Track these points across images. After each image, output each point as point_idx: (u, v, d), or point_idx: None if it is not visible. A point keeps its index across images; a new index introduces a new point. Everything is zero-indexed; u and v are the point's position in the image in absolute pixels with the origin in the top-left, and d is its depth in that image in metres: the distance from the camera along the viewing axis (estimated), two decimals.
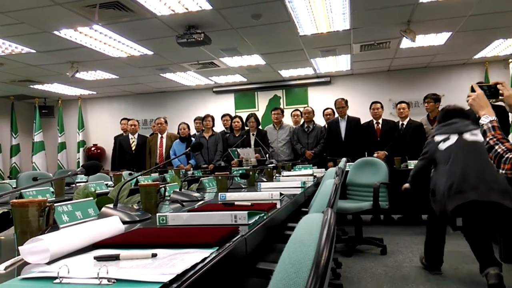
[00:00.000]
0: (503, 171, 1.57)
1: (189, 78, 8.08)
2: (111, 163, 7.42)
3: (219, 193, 2.13)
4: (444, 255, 3.25)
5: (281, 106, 8.42)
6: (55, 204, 1.23)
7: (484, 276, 2.69)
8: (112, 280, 0.73)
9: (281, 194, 2.10)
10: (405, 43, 6.13)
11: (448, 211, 2.75)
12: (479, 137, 2.73)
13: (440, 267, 3.22)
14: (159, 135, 6.52)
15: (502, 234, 3.48)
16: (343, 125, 5.77)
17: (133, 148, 6.62)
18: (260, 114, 8.37)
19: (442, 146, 2.90)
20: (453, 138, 2.87)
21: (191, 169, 5.81)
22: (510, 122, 6.12)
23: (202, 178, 3.10)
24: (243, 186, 3.07)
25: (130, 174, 4.48)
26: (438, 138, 2.97)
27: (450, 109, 3.11)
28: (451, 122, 3.00)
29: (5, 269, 0.89)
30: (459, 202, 2.69)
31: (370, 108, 5.71)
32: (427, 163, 3.07)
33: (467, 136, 2.84)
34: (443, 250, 3.16)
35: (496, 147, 1.61)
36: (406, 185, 3.44)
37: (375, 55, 6.93)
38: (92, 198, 1.63)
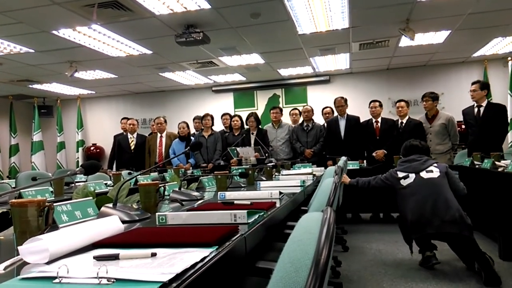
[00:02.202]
0: None
1: (188, 77, 8.07)
2: (109, 162, 7.38)
3: (219, 192, 2.14)
4: (441, 252, 3.26)
5: (280, 105, 8.42)
6: (54, 204, 1.23)
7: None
8: (112, 280, 0.73)
9: (280, 193, 2.11)
10: (404, 41, 6.13)
11: (411, 239, 3.24)
12: (434, 174, 3.18)
13: (433, 252, 3.24)
14: (159, 134, 6.52)
15: (501, 233, 3.49)
16: (342, 124, 5.77)
17: (132, 148, 6.61)
18: (259, 113, 8.33)
19: (404, 182, 3.25)
20: (412, 177, 3.22)
21: (191, 168, 5.81)
22: (509, 119, 6.14)
23: (201, 177, 3.09)
24: (243, 185, 3.07)
25: (129, 173, 4.47)
26: (400, 174, 3.30)
27: (410, 145, 3.45)
28: (411, 159, 3.33)
29: (4, 269, 0.89)
30: (418, 235, 3.12)
31: (368, 107, 5.70)
32: (385, 187, 3.42)
33: (423, 174, 3.20)
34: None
35: None
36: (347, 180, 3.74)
37: (374, 54, 6.93)
38: (91, 197, 1.63)
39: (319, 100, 8.17)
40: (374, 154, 5.44)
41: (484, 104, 5.00)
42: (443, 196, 3.05)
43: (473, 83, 5.07)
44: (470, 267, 3.14)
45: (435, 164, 3.25)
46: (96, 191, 2.06)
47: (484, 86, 5.08)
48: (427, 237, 3.14)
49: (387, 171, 3.47)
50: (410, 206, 3.12)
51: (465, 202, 4.58)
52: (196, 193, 2.34)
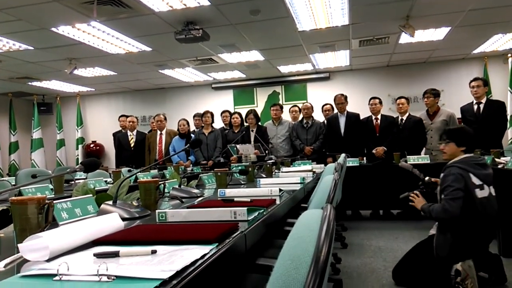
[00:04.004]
0: None
1: (187, 74, 8.06)
2: (116, 160, 7.30)
3: (219, 190, 2.14)
4: None
5: (280, 102, 8.41)
6: (54, 201, 1.23)
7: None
8: (112, 277, 0.74)
9: (280, 190, 2.11)
10: (404, 38, 6.12)
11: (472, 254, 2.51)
12: (493, 192, 2.56)
13: None
14: (158, 132, 6.51)
15: (501, 229, 3.49)
16: (342, 121, 5.76)
17: (132, 145, 6.61)
18: (259, 110, 8.36)
19: (479, 193, 2.46)
20: (486, 190, 2.50)
21: (191, 165, 5.82)
22: (508, 116, 6.14)
23: (201, 175, 3.09)
24: (242, 182, 3.07)
25: (129, 170, 4.47)
26: (475, 180, 2.47)
27: (474, 135, 2.71)
28: (482, 163, 2.58)
29: (4, 267, 0.89)
30: (481, 252, 2.56)
31: (368, 104, 5.70)
32: (461, 200, 2.43)
33: (492, 190, 2.55)
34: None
35: None
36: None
37: (374, 51, 6.92)
38: (91, 195, 1.63)
39: (319, 97, 8.16)
40: (374, 151, 5.44)
41: (483, 101, 5.00)
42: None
43: (475, 79, 5.06)
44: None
45: None
46: (96, 189, 2.06)
47: (485, 82, 5.10)
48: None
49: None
50: (480, 224, 2.47)
51: None
52: (196, 190, 2.34)
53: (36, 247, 0.92)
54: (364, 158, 5.48)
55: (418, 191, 2.81)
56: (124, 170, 4.34)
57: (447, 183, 2.48)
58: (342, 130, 5.73)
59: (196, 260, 0.85)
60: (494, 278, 2.71)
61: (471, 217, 2.43)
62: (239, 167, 3.39)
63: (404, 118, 5.53)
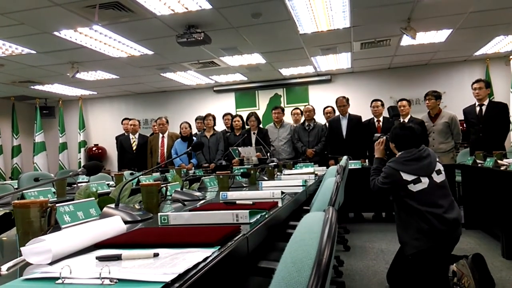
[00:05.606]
0: None
1: (189, 77, 8.08)
2: (118, 163, 7.34)
3: (221, 192, 2.14)
4: None
5: (282, 105, 8.42)
6: (56, 205, 1.23)
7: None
8: (114, 280, 0.74)
9: (282, 192, 2.11)
10: (406, 40, 6.12)
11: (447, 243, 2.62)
12: (443, 175, 2.69)
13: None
14: (161, 135, 6.53)
15: (503, 231, 3.48)
16: (344, 123, 5.76)
17: (134, 148, 6.62)
18: (261, 113, 8.38)
19: (413, 188, 2.62)
20: (425, 182, 2.61)
21: (193, 168, 5.82)
22: (511, 118, 6.13)
23: (203, 177, 3.10)
24: (245, 185, 3.07)
25: (131, 173, 4.48)
26: (406, 177, 2.64)
27: (409, 134, 2.80)
28: (417, 156, 2.69)
29: (7, 270, 0.89)
30: (454, 241, 2.63)
31: (370, 106, 5.70)
32: (388, 190, 2.79)
33: (435, 176, 2.65)
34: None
35: None
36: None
37: (375, 53, 6.92)
38: (93, 198, 1.64)
39: (321, 99, 8.17)
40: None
41: (485, 102, 4.99)
42: (453, 201, 2.67)
43: (476, 81, 5.05)
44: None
45: (438, 160, 2.78)
46: (98, 192, 2.07)
47: (487, 84, 5.09)
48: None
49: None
50: (431, 211, 2.57)
51: (467, 201, 4.57)
52: (198, 193, 2.34)
53: (38, 250, 0.92)
54: (366, 160, 5.47)
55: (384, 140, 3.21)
56: (126, 173, 4.35)
57: (382, 174, 2.84)
58: (344, 133, 5.73)
59: (198, 263, 0.85)
60: (479, 277, 2.56)
61: (414, 208, 2.61)
62: (241, 170, 3.39)
63: (406, 120, 5.52)
